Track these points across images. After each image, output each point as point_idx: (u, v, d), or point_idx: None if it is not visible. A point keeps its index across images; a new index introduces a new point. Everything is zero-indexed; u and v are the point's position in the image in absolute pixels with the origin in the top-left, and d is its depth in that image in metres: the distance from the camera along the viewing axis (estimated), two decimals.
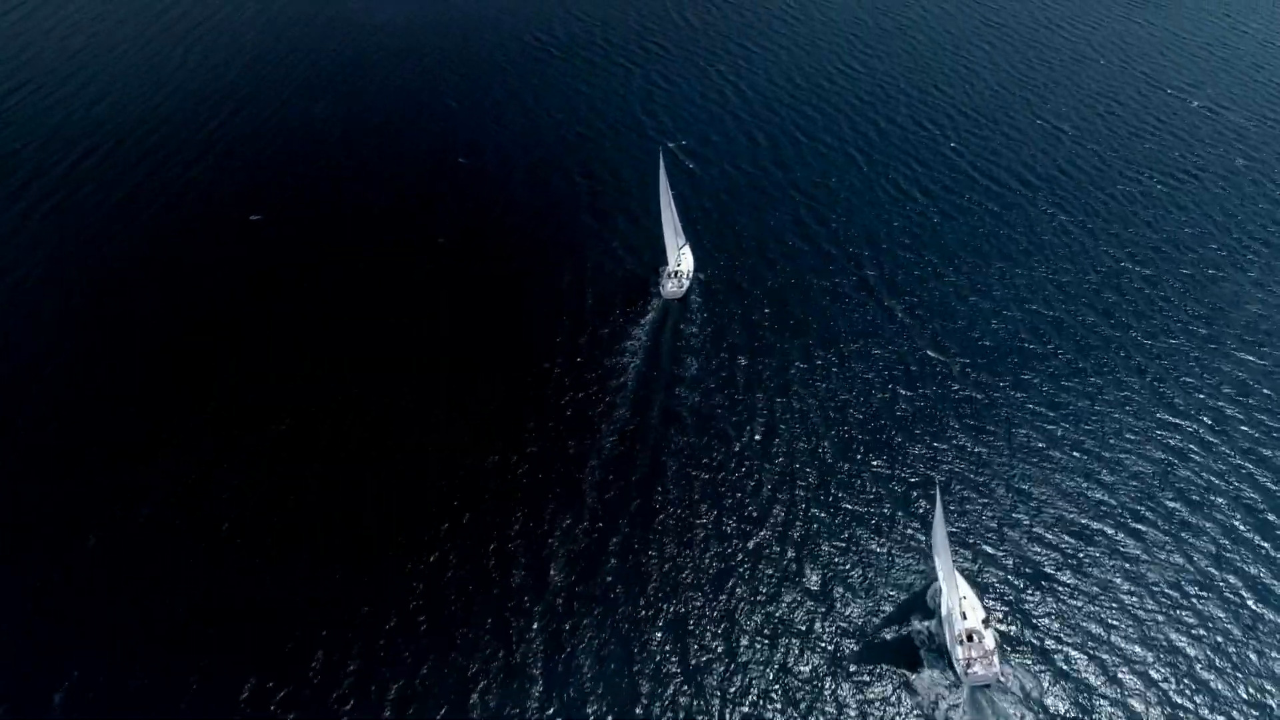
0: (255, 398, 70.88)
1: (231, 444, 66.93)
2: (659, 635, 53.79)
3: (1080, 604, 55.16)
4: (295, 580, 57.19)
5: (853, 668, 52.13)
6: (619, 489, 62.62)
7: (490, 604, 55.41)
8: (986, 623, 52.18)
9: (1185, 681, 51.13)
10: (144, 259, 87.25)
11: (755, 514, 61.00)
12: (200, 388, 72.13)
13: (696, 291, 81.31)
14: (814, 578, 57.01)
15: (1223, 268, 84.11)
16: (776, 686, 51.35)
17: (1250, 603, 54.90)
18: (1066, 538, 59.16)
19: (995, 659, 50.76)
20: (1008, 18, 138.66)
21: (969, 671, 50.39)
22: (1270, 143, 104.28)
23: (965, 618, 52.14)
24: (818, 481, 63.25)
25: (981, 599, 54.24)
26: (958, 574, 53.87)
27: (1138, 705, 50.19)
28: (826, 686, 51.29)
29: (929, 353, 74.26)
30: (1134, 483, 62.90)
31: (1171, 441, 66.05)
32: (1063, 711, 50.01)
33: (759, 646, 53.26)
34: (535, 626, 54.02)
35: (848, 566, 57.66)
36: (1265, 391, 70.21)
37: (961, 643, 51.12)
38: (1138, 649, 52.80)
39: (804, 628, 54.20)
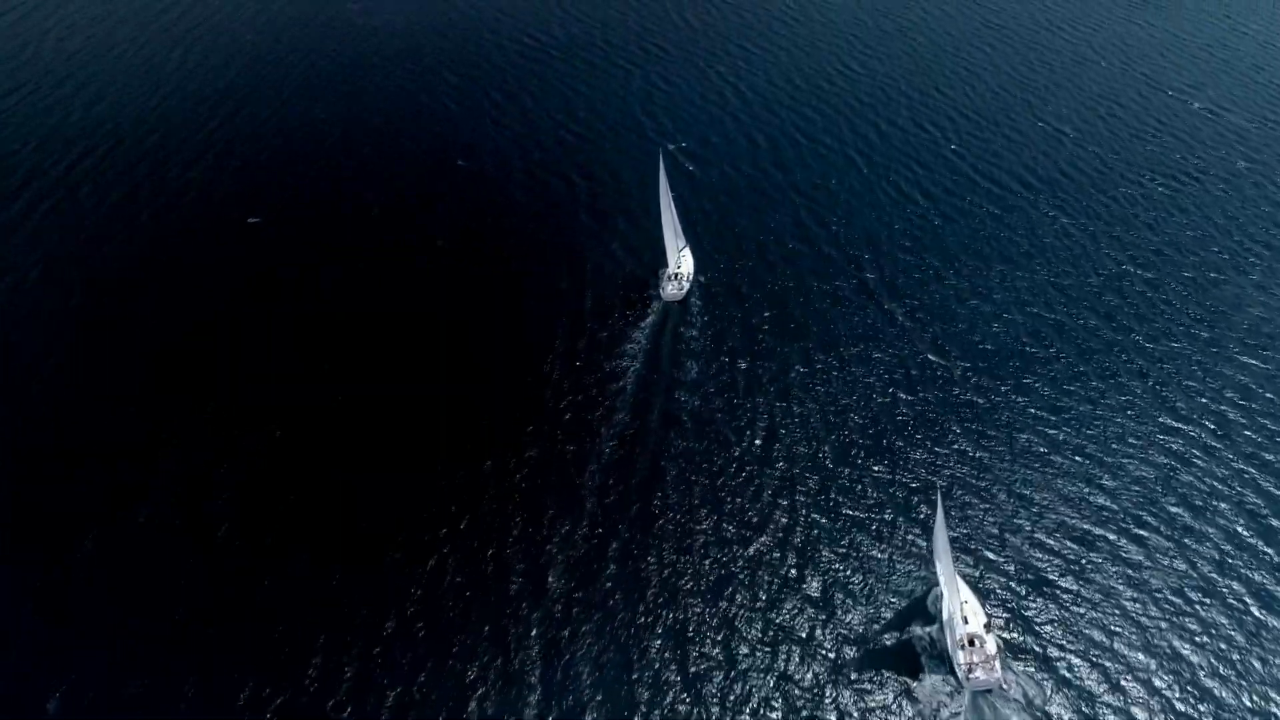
0: (253, 400, 70.48)
1: (230, 445, 66.55)
2: (658, 642, 53.41)
3: (1082, 610, 54.81)
4: (293, 583, 56.80)
5: (854, 675, 51.76)
6: (618, 493, 62.25)
7: (488, 610, 55.02)
8: (988, 627, 51.85)
9: (1188, 689, 50.78)
10: (143, 259, 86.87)
11: (755, 519, 60.63)
12: (199, 389, 71.77)
13: (696, 294, 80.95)
14: (814, 584, 56.64)
15: (1224, 271, 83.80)
16: (777, 694, 50.98)
17: (1254, 609, 54.57)
18: (1068, 543, 58.81)
19: (997, 664, 50.40)
20: (1008, 19, 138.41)
21: (970, 676, 50.03)
22: (1271, 145, 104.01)
23: (967, 622, 51.78)
24: (818, 486, 62.89)
25: (983, 604, 53.89)
26: (959, 578, 53.49)
27: (1140, 713, 49.85)
28: (827, 694, 50.91)
29: (930, 356, 73.93)
30: (1136, 488, 62.57)
31: (1174, 446, 65.72)
32: (1065, 719, 49.63)
33: (759, 653, 52.89)
34: (533, 633, 53.63)
35: (848, 572, 57.29)
36: (1268, 395, 69.89)
37: (963, 647, 50.76)
38: (1140, 656, 52.46)
39: (804, 634, 53.83)
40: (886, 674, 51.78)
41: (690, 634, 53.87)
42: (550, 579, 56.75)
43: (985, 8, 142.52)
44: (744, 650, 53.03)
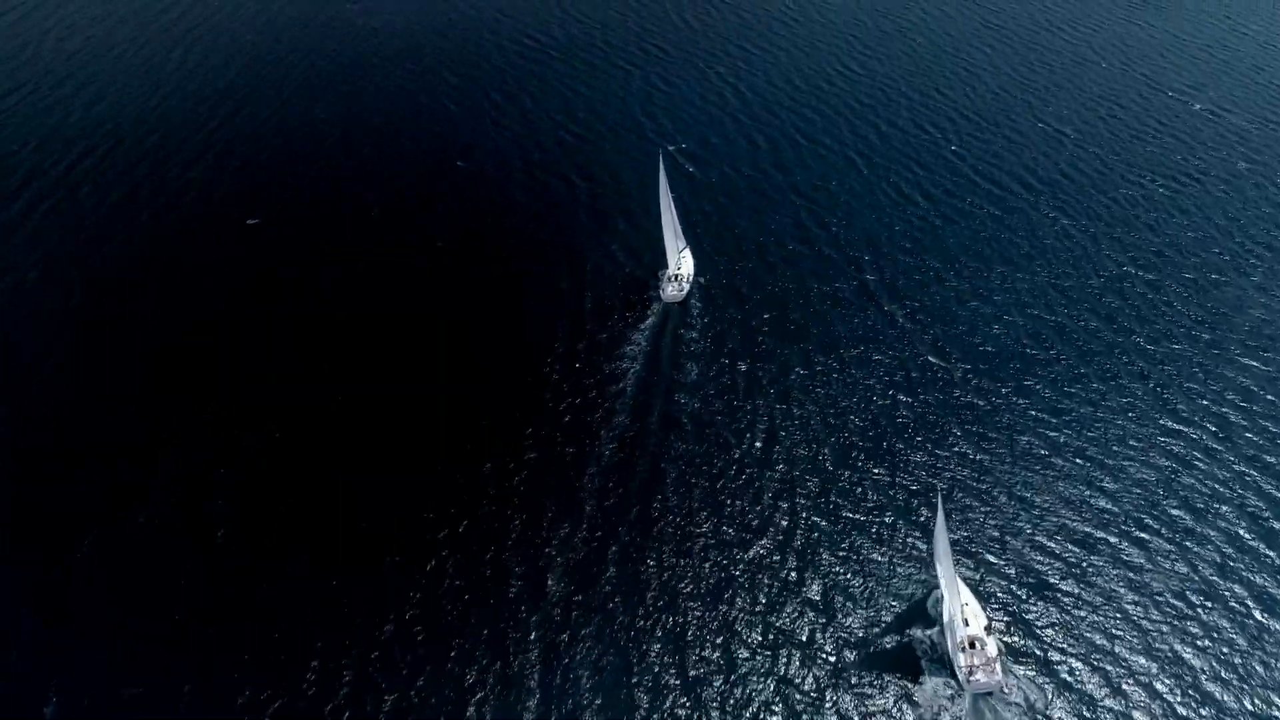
0: (253, 400, 70.42)
1: (230, 445, 66.51)
2: (658, 646, 53.22)
3: (1084, 613, 54.61)
4: (292, 584, 56.65)
5: (854, 678, 51.58)
6: (618, 496, 62.07)
7: (487, 613, 54.83)
8: (989, 630, 51.68)
9: (1190, 692, 50.59)
10: (143, 259, 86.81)
11: (755, 522, 60.45)
12: (199, 389, 71.73)
13: (696, 296, 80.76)
14: (814, 587, 56.45)
15: (1225, 272, 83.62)
16: (777, 698, 50.78)
17: (1256, 613, 54.38)
18: (1070, 546, 58.62)
19: (998, 666, 50.22)
20: (1008, 20, 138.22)
21: (971, 679, 49.85)
22: (1272, 145, 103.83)
23: (967, 624, 51.59)
24: (818, 489, 62.70)
25: (984, 606, 53.72)
26: (959, 580, 53.25)
27: (1142, 717, 49.63)
28: (827, 697, 50.73)
29: (930, 358, 73.74)
30: (1137, 490, 62.38)
31: (1175, 448, 65.53)
32: None
33: (759, 657, 52.70)
34: (533, 636, 53.43)
35: (848, 575, 57.10)
36: (1269, 398, 69.70)
37: (964, 650, 50.58)
38: (1142, 659, 52.27)
39: (804, 638, 53.64)
40: (887, 677, 51.60)
41: (690, 637, 53.68)
42: (549, 582, 56.57)
43: (985, 8, 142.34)
44: (744, 654, 52.84)
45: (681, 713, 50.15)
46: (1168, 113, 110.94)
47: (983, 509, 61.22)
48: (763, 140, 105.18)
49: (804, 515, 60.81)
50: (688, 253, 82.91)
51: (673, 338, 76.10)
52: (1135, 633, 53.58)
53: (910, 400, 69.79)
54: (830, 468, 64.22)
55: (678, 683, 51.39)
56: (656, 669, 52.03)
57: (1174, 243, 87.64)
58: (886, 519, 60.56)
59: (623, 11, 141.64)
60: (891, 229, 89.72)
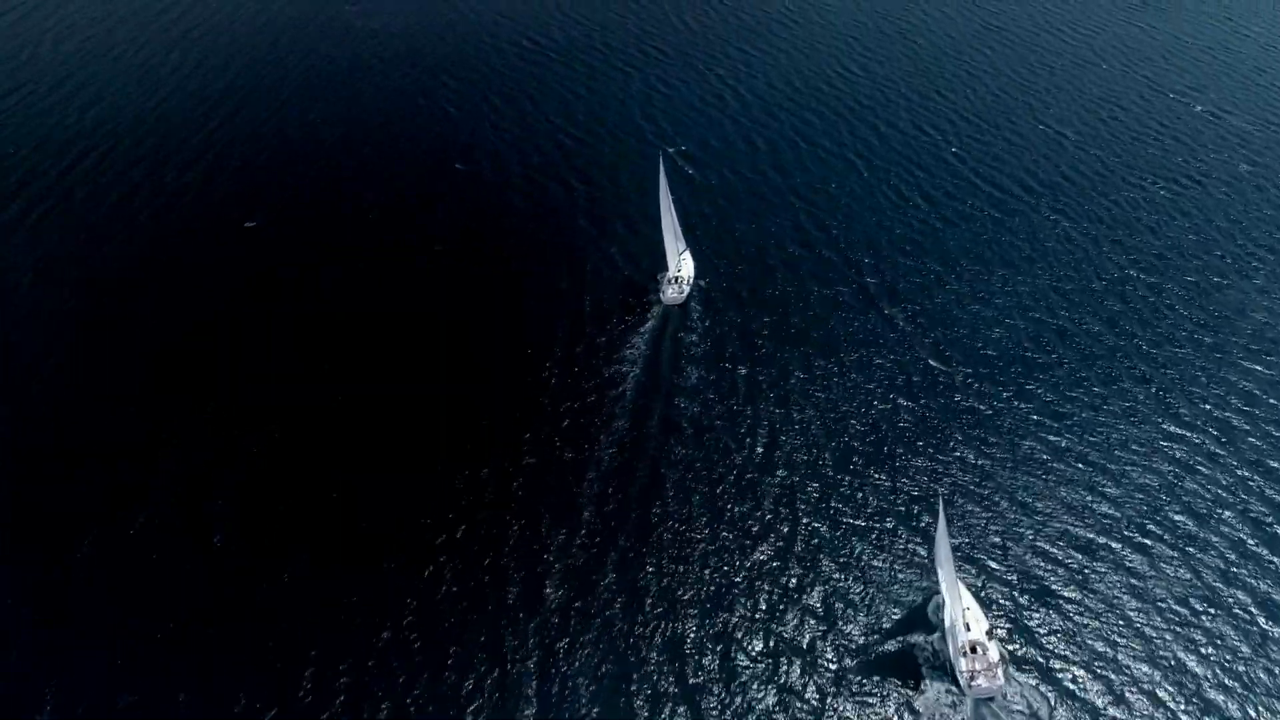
0: (253, 400, 70.11)
1: (230, 446, 66.20)
2: (657, 653, 52.75)
3: (1086, 619, 54.18)
4: (290, 588, 56.27)
5: (855, 685, 51.13)
6: (617, 502, 61.65)
7: (485, 620, 54.38)
8: (990, 634, 51.27)
9: (1193, 700, 50.14)
10: (142, 260, 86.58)
11: (755, 528, 60.03)
12: (199, 389, 71.48)
13: (696, 299, 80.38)
14: (815, 593, 56.03)
15: (1227, 275, 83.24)
16: (777, 706, 50.34)
17: (1260, 619, 53.94)
18: (1072, 552, 58.19)
19: (1000, 671, 49.81)
20: (1008, 22, 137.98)
21: (973, 684, 49.42)
22: (1273, 147, 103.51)
23: (969, 629, 51.18)
24: (818, 494, 62.28)
25: (985, 611, 53.31)
26: (961, 585, 52.85)
27: None
28: (828, 705, 50.28)
29: (931, 362, 73.35)
30: (1139, 495, 61.97)
31: (1177, 453, 65.12)
32: None
33: (759, 664, 52.26)
34: (530, 644, 52.97)
35: (849, 581, 56.68)
36: (1272, 402, 69.30)
37: (965, 655, 50.16)
38: (1144, 666, 51.83)
39: (805, 645, 53.21)
40: (888, 684, 51.16)
41: (689, 645, 53.24)
42: (548, 588, 56.13)
43: (986, 10, 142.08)
44: (744, 661, 52.41)
45: None
46: (1169, 115, 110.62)
47: (984, 514, 60.80)
48: (762, 142, 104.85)
49: (804, 521, 60.40)
50: (688, 255, 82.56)
51: (673, 341, 75.71)
52: (1138, 639, 53.15)
53: (911, 404, 69.39)
54: (831, 473, 63.82)
55: (677, 690, 50.96)
56: (655, 676, 51.60)
57: (1176, 245, 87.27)
58: (887, 524, 60.15)
59: (622, 13, 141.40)
60: (892, 232, 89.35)
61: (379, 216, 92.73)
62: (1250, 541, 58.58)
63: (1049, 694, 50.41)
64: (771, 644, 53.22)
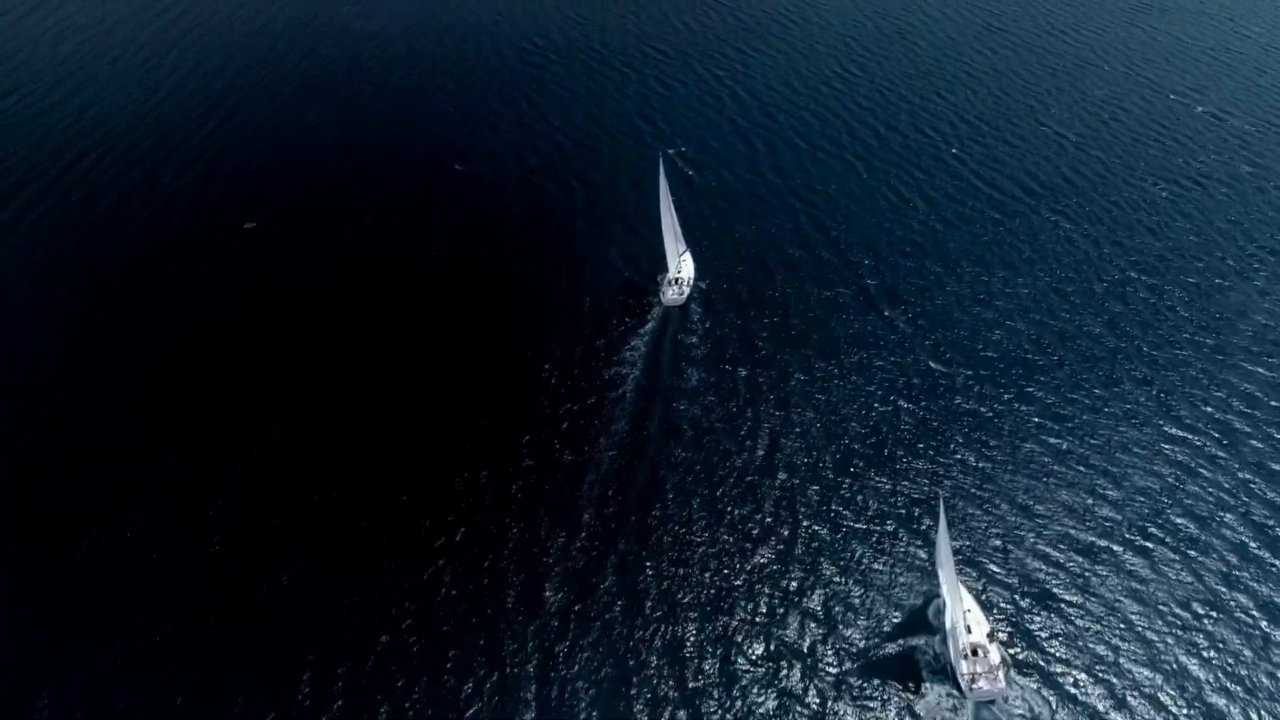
0: (253, 400, 70.17)
1: (230, 446, 66.25)
2: (656, 656, 52.54)
3: (1087, 622, 53.97)
4: (287, 593, 56.08)
5: (855, 689, 50.91)
6: (617, 504, 61.43)
7: (484, 622, 54.17)
8: (991, 637, 51.09)
9: (1194, 704, 49.92)
10: (141, 261, 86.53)
11: (755, 531, 59.82)
12: (199, 389, 71.50)
13: (696, 300, 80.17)
14: (815, 596, 55.80)
15: (1228, 277, 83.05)
16: (778, 709, 50.10)
17: (1262, 623, 53.73)
18: (1073, 554, 57.98)
19: (1000, 674, 49.63)
20: (1009, 23, 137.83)
21: (974, 687, 49.24)
22: (1274, 148, 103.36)
23: (970, 632, 51.00)
24: (819, 497, 62.06)
25: (986, 614, 53.09)
26: (962, 587, 52.65)
27: None
28: (829, 708, 50.06)
29: (931, 364, 73.13)
30: (1141, 498, 61.75)
31: (1179, 456, 64.91)
32: None
33: (760, 668, 52.04)
34: (530, 646, 52.76)
35: (850, 584, 56.46)
36: (1273, 404, 69.10)
37: (966, 657, 49.97)
38: (1146, 669, 51.62)
39: (805, 648, 52.98)
40: (888, 688, 50.94)
41: (689, 648, 53.02)
42: (547, 591, 55.92)
43: (986, 11, 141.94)
44: (744, 665, 52.18)
45: None
46: (1170, 116, 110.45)
47: (985, 517, 60.59)
48: (762, 144, 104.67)
49: (804, 523, 60.19)
50: (688, 256, 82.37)
51: (672, 343, 75.50)
52: (1139, 642, 52.93)
53: (911, 407, 69.18)
54: (831, 475, 63.60)
55: (677, 694, 50.73)
56: (655, 680, 51.37)
57: (1176, 247, 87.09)
58: (888, 527, 59.94)
59: (621, 14, 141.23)
60: (892, 233, 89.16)
61: (378, 218, 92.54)
62: (1252, 544, 58.37)
63: (1050, 697, 50.21)
64: (772, 647, 53.01)
